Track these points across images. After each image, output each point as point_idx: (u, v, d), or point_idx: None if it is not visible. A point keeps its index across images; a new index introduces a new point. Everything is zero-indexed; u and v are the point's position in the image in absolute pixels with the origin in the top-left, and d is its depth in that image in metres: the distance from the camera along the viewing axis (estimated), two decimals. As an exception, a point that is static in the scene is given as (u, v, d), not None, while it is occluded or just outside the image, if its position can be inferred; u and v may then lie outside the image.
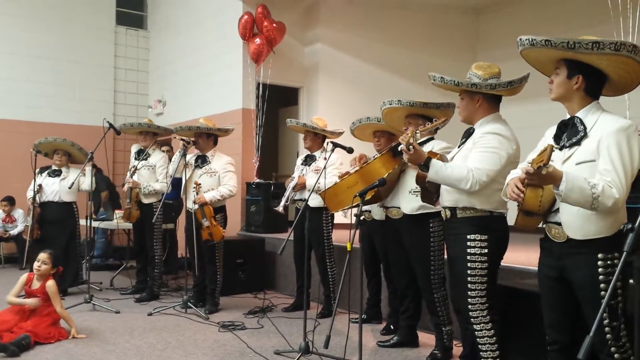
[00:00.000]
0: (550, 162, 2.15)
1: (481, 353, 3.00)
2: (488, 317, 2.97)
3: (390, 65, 8.62)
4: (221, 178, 5.38)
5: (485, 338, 2.97)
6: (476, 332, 2.99)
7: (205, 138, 5.47)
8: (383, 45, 8.64)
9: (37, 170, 6.12)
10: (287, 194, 5.21)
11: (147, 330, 4.69)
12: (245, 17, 7.45)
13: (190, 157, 5.50)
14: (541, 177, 2.18)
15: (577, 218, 2.30)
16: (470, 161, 2.95)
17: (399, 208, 4.01)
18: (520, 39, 2.43)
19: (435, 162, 2.95)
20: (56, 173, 6.09)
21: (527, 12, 8.74)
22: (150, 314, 5.21)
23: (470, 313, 2.98)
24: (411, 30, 8.93)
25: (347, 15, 8.40)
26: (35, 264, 4.47)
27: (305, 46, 8.33)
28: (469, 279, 2.96)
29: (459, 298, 3.09)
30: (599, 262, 2.26)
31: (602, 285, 2.25)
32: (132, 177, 5.81)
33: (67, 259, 5.89)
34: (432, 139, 3.94)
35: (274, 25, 7.44)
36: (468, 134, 3.14)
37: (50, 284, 4.42)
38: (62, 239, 6.00)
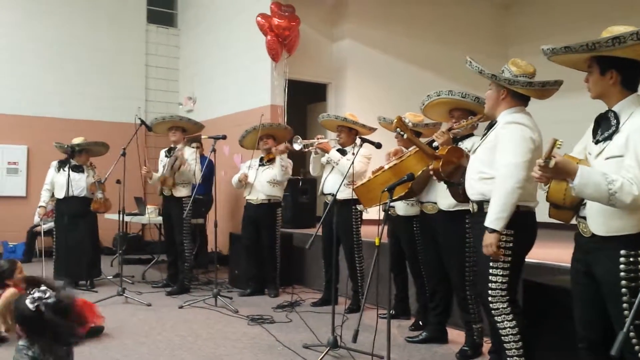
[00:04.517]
0: (556, 155, 2.14)
1: (504, 345, 2.98)
2: (509, 309, 2.95)
3: (419, 60, 8.56)
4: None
5: (507, 329, 2.96)
6: (497, 324, 2.99)
7: (272, 140, 5.98)
8: (411, 41, 8.59)
9: (55, 164, 6.31)
10: (312, 141, 5.30)
11: (178, 323, 4.77)
12: (259, 17, 7.48)
13: (253, 161, 5.99)
14: (552, 170, 2.17)
15: (600, 214, 2.27)
16: (499, 155, 2.93)
17: (435, 203, 3.99)
18: (543, 49, 2.41)
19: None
20: (79, 169, 6.24)
21: (557, 5, 8.59)
22: (181, 307, 5.30)
23: (491, 305, 2.98)
24: (440, 24, 8.85)
25: (374, 10, 8.37)
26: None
27: (333, 42, 8.33)
28: (491, 270, 2.95)
29: (481, 290, 3.09)
30: (621, 259, 2.22)
31: (623, 283, 2.21)
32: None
33: (87, 251, 6.16)
34: (472, 135, 3.90)
35: (283, 22, 7.40)
36: (490, 126, 3.13)
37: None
38: (84, 232, 6.21)
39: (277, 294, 5.91)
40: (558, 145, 2.18)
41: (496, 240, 2.86)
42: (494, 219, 2.86)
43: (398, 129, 3.49)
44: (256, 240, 5.96)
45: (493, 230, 2.86)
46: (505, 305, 2.95)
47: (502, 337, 2.97)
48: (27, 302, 2.41)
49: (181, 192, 6.02)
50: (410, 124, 4.32)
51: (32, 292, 2.43)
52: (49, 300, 2.41)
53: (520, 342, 2.95)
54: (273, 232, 5.94)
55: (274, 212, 5.93)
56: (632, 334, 2.19)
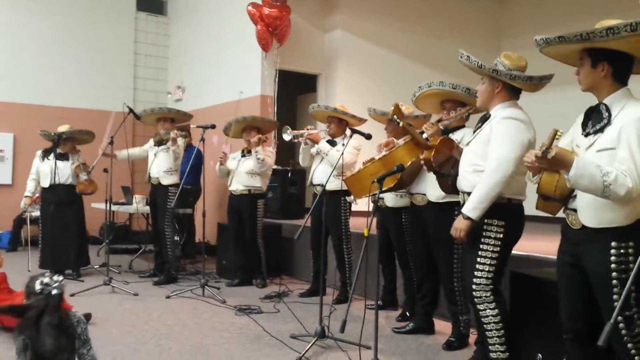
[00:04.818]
0: (554, 146, 2.15)
1: (486, 333, 3.02)
2: (492, 297, 2.99)
3: (411, 52, 8.55)
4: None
5: (490, 317, 3.00)
6: (480, 312, 3.02)
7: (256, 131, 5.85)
8: (403, 33, 8.56)
9: (40, 153, 6.26)
10: (302, 132, 5.27)
11: (165, 313, 4.75)
12: (250, 6, 7.43)
13: (237, 154, 5.96)
14: (549, 161, 2.19)
15: (592, 206, 2.28)
16: (492, 149, 2.94)
17: (424, 195, 4.00)
18: (536, 40, 2.41)
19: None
20: (65, 157, 6.19)
21: (549, -1, 8.60)
22: (168, 297, 5.28)
23: (474, 293, 3.01)
24: (432, 17, 8.84)
25: (366, 1, 8.34)
26: None
27: (325, 33, 8.29)
28: (478, 259, 2.99)
29: (466, 278, 3.12)
30: (612, 251, 2.24)
31: (614, 274, 2.23)
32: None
33: (73, 240, 6.11)
34: (463, 126, 3.90)
35: (274, 11, 7.35)
36: (484, 119, 3.14)
37: None
38: (70, 220, 6.16)
39: (265, 284, 5.89)
40: (558, 136, 2.19)
41: (467, 227, 2.95)
42: (472, 207, 2.91)
43: (395, 116, 3.47)
44: (241, 230, 5.94)
45: (468, 218, 2.92)
46: (488, 294, 2.99)
47: (484, 325, 3.02)
48: (37, 282, 2.45)
49: (167, 179, 5.99)
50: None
51: (44, 275, 2.48)
52: (53, 290, 2.43)
53: (502, 330, 2.99)
54: (254, 223, 5.88)
55: (254, 202, 5.86)
56: (621, 324, 2.21)
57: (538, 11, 8.69)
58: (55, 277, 2.50)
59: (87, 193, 6.23)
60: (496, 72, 2.99)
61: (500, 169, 2.88)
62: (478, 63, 3.01)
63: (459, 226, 2.97)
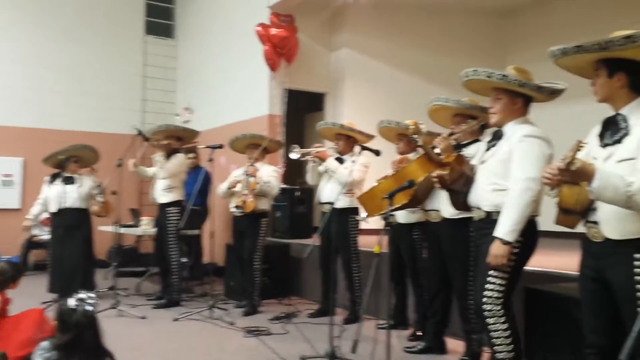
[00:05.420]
0: (578, 158, 2.11)
1: (494, 348, 2.96)
2: (502, 311, 2.93)
3: (417, 70, 8.54)
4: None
5: (499, 332, 2.93)
6: (489, 326, 2.95)
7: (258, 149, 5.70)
8: (409, 50, 8.57)
9: (48, 178, 6.25)
10: (309, 150, 5.21)
11: (173, 336, 4.68)
12: (259, 26, 7.47)
13: (239, 170, 5.77)
14: (572, 173, 2.14)
15: (614, 217, 2.23)
16: (516, 168, 2.90)
17: (438, 211, 3.94)
18: (552, 51, 2.39)
19: None
20: (70, 180, 6.16)
21: (554, 13, 8.60)
22: (175, 320, 5.21)
23: (484, 306, 2.95)
24: (438, 34, 8.84)
25: (372, 20, 8.36)
26: None
27: (331, 52, 8.31)
28: (491, 272, 2.92)
29: (477, 292, 3.05)
30: (636, 262, 2.18)
31: (638, 286, 2.17)
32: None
33: (81, 264, 6.02)
34: (477, 140, 3.85)
35: (281, 31, 7.40)
36: (497, 135, 3.08)
37: None
38: (79, 244, 6.09)
39: (253, 312, 5.51)
40: (581, 147, 2.15)
41: (507, 252, 2.85)
42: (509, 230, 2.84)
43: (415, 135, 3.45)
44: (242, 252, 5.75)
45: (506, 242, 2.84)
46: (498, 308, 2.93)
47: (493, 340, 2.96)
48: (70, 300, 2.45)
49: (164, 197, 5.88)
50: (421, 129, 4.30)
51: (79, 293, 2.49)
52: (87, 307, 2.43)
53: (511, 345, 2.93)
54: (254, 243, 5.61)
55: (257, 222, 5.62)
56: None
57: (543, 26, 8.67)
58: (90, 294, 2.48)
59: (103, 215, 6.19)
60: (526, 85, 2.92)
61: (530, 189, 2.85)
62: (505, 78, 2.91)
63: (499, 252, 2.85)
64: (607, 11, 7.63)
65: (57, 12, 9.43)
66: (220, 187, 5.86)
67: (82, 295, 2.45)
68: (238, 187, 5.58)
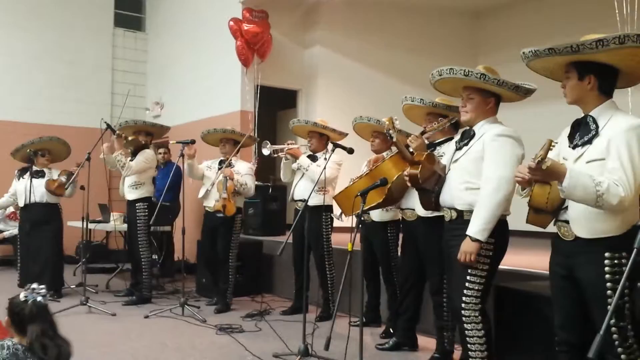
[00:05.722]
0: (549, 157, 2.15)
1: (470, 353, 2.99)
2: (480, 317, 2.96)
3: (390, 68, 8.59)
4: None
5: (475, 338, 2.96)
6: (466, 332, 2.98)
7: (232, 144, 5.60)
8: (382, 49, 8.62)
9: (17, 172, 6.12)
10: (282, 147, 5.19)
11: (144, 333, 4.63)
12: (231, 21, 7.43)
13: (212, 162, 5.68)
14: (543, 172, 2.18)
15: (585, 216, 2.28)
16: (488, 167, 2.93)
17: (414, 210, 3.97)
18: (524, 52, 2.42)
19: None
20: (40, 174, 6.03)
21: (526, 15, 8.73)
22: (146, 317, 5.15)
23: (462, 312, 2.97)
24: (410, 33, 8.91)
25: (346, 18, 8.38)
26: None
27: (305, 49, 8.31)
28: (468, 277, 2.94)
29: (454, 296, 3.08)
30: (606, 261, 2.24)
31: (608, 285, 2.23)
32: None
33: (50, 259, 5.94)
34: (451, 139, 3.89)
35: (253, 27, 7.37)
36: (468, 134, 3.11)
37: None
38: (48, 239, 5.98)
39: (225, 309, 5.47)
40: (552, 147, 2.20)
41: (477, 250, 2.88)
42: (480, 229, 2.87)
43: (390, 130, 3.46)
44: (216, 249, 5.66)
45: (476, 240, 2.87)
46: (477, 314, 2.95)
47: (469, 345, 2.99)
48: (21, 294, 2.41)
49: (131, 194, 5.78)
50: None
51: (30, 286, 2.43)
52: (38, 297, 2.39)
53: (485, 352, 2.96)
54: (227, 241, 5.54)
55: (231, 219, 5.51)
56: (614, 335, 2.20)
57: (514, 28, 8.82)
58: (40, 285, 2.45)
59: (53, 191, 5.93)
60: (505, 83, 2.92)
61: (502, 188, 2.87)
62: (483, 76, 2.90)
63: (469, 249, 2.88)
64: (577, 14, 7.79)
65: (24, 2, 9.19)
66: (200, 192, 5.70)
67: (33, 285, 2.41)
68: (214, 188, 5.50)
